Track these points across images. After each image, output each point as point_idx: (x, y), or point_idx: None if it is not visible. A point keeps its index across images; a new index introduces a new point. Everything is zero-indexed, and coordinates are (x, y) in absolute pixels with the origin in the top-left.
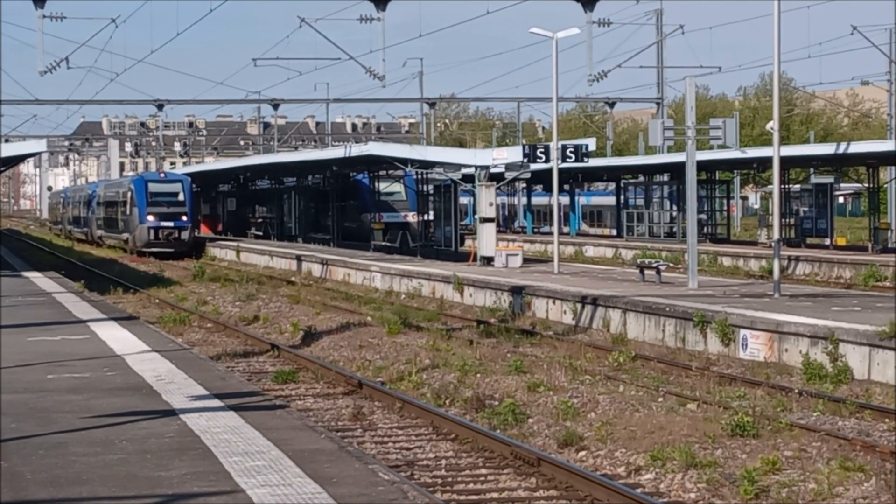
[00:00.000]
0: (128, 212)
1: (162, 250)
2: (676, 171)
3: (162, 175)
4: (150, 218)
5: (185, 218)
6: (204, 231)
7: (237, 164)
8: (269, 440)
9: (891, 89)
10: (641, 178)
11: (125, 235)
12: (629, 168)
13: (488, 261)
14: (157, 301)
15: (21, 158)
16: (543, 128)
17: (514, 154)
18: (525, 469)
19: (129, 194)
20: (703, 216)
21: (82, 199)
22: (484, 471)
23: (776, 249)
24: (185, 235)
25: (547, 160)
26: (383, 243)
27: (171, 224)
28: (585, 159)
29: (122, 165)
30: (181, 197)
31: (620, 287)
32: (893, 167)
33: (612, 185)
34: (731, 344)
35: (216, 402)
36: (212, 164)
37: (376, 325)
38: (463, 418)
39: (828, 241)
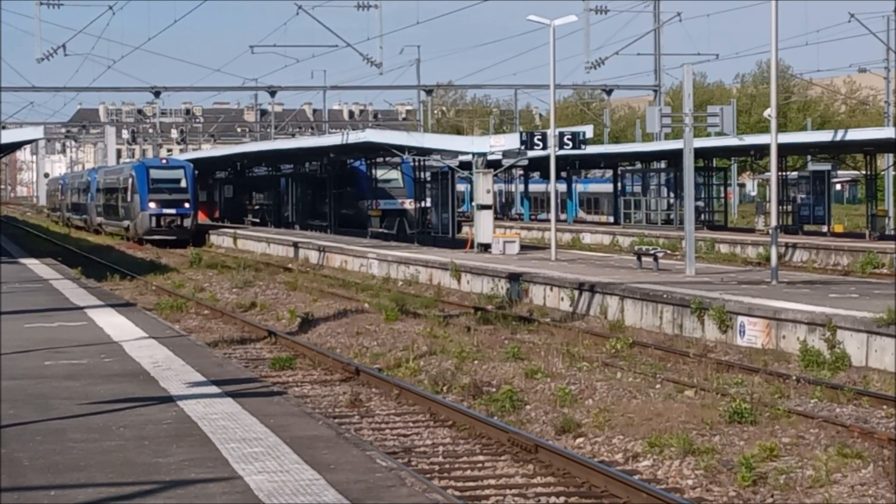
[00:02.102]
0: (129, 199)
1: (164, 238)
2: (674, 158)
3: (164, 161)
4: (152, 205)
5: (187, 205)
6: (201, 218)
7: (234, 151)
8: (266, 427)
9: (888, 76)
10: (639, 166)
11: (126, 223)
12: (626, 155)
13: (485, 248)
14: (154, 288)
15: (18, 145)
16: (541, 115)
17: (511, 141)
18: (522, 456)
19: (130, 181)
20: (701, 203)
21: (81, 186)
22: (481, 457)
23: (773, 236)
24: (187, 223)
25: (544, 147)
26: (380, 230)
27: (173, 211)
28: (583, 146)
29: (118, 152)
30: (183, 183)
31: (618, 274)
32: (891, 154)
33: (609, 173)
34: (728, 331)
35: (213, 389)
36: (209, 150)
37: (373, 311)
38: (460, 405)
39: (825, 229)
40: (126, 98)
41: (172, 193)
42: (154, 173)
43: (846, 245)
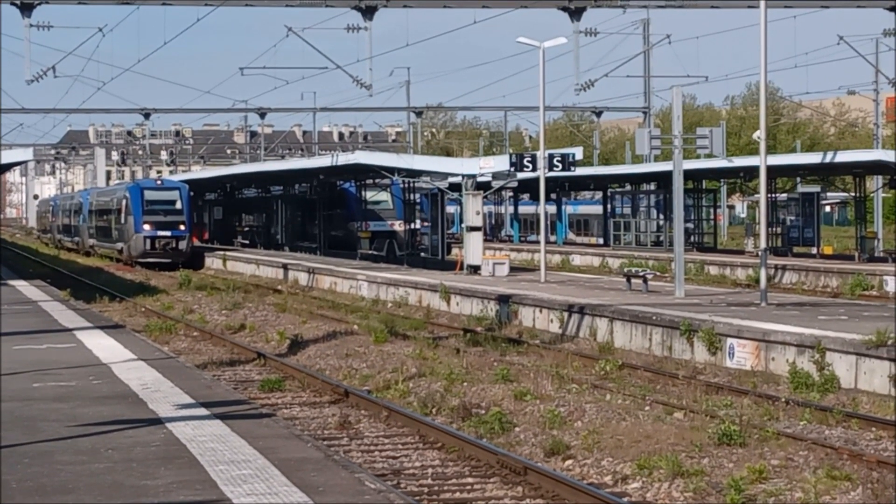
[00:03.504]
0: (122, 220)
1: (159, 261)
2: (663, 180)
3: (158, 182)
4: (147, 227)
5: (182, 227)
6: None
7: (224, 173)
8: (255, 449)
9: (877, 99)
10: (628, 187)
11: (119, 245)
12: (616, 177)
13: (475, 269)
14: (143, 309)
15: (7, 167)
16: (530, 137)
17: (500, 163)
18: (512, 478)
19: (123, 202)
20: (690, 225)
21: (73, 208)
22: (470, 479)
23: (763, 258)
24: (182, 245)
25: (534, 169)
26: (370, 252)
27: (168, 233)
28: (572, 168)
29: (108, 174)
30: (179, 205)
31: (607, 296)
32: (880, 176)
33: (598, 194)
34: (717, 353)
35: (202, 411)
36: (198, 172)
37: (363, 333)
38: (449, 427)
39: (814, 250)
40: (116, 120)
41: (167, 215)
42: (148, 194)
43: (835, 267)
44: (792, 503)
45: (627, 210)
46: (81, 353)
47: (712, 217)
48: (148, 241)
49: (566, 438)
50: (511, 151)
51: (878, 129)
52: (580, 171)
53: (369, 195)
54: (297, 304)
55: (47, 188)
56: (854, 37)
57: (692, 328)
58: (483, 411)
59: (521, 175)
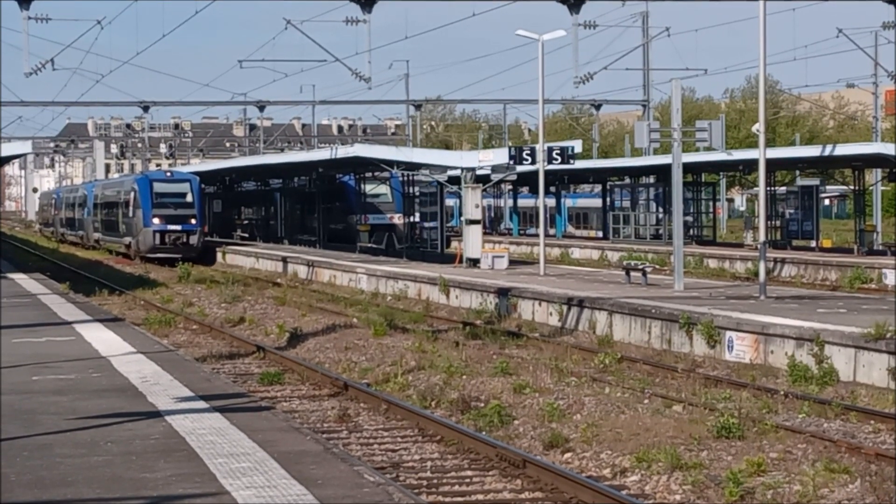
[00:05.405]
0: (130, 214)
1: (169, 256)
2: (662, 173)
3: (168, 174)
4: (156, 221)
5: (193, 221)
6: None
7: (223, 166)
8: (254, 442)
9: (876, 91)
10: (627, 180)
11: (127, 239)
12: (615, 170)
13: (474, 263)
14: (142, 302)
15: (6, 160)
16: (529, 130)
17: (500, 156)
18: (510, 471)
19: (131, 195)
20: (689, 218)
21: (77, 200)
22: (469, 472)
23: (762, 251)
24: (193, 240)
25: (533, 162)
26: (369, 245)
27: (178, 227)
28: (571, 161)
29: (107, 167)
30: (189, 198)
31: (606, 289)
32: (879, 169)
33: (598, 188)
34: (716, 346)
35: (201, 404)
36: (197, 165)
37: (362, 326)
38: (448, 420)
39: (813, 244)
40: (115, 112)
41: (178, 208)
42: (158, 187)
43: (834, 260)
44: (790, 496)
45: (626, 203)
46: (81, 346)
47: (711, 210)
48: (157, 235)
49: (565, 431)
50: (510, 144)
51: (877, 122)
52: (579, 164)
53: (368, 188)
54: (296, 298)
55: (46, 181)
56: (853, 29)
57: (691, 321)
58: (482, 404)
59: (520, 168)
